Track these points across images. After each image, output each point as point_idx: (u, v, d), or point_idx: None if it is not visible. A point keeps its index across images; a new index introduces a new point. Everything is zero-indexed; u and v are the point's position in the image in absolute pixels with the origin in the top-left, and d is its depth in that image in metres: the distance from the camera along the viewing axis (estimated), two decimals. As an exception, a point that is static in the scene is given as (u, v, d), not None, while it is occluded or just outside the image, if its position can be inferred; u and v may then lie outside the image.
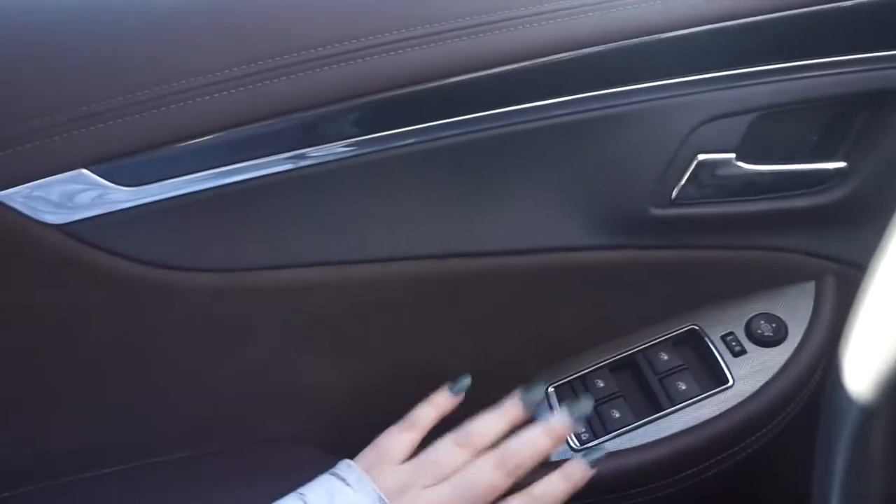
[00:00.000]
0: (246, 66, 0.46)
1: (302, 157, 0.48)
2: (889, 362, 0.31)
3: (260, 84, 0.46)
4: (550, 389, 0.59)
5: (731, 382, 0.56)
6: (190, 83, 0.45)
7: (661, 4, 0.49)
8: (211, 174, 0.47)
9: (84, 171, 0.45)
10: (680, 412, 0.55)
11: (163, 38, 0.47)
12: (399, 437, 0.45)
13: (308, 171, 0.48)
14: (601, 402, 0.57)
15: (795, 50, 0.52)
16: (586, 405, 0.46)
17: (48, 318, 0.49)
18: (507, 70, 0.48)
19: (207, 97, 0.45)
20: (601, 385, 0.58)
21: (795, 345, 0.56)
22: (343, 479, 0.43)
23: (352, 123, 0.48)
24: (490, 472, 0.43)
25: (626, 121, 0.51)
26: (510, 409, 0.46)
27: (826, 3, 0.50)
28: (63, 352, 0.50)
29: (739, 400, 0.55)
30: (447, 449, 0.44)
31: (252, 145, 0.47)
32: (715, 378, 0.56)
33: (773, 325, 0.57)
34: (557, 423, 0.45)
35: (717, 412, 0.55)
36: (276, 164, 0.48)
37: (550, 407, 0.58)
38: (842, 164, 0.55)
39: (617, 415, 0.56)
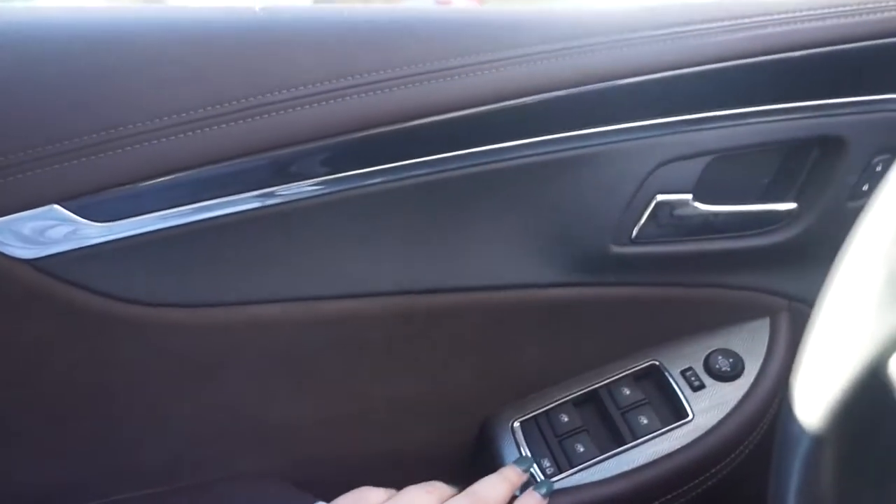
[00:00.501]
0: (219, 105, 0.47)
1: (272, 194, 0.49)
2: (836, 392, 0.32)
3: (232, 123, 0.47)
4: (516, 424, 0.60)
5: (691, 416, 0.57)
6: (163, 122, 0.46)
7: (619, 52, 0.51)
8: (182, 211, 0.48)
9: (56, 206, 0.45)
10: (642, 446, 0.57)
11: (137, 77, 0.48)
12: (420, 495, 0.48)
13: (278, 208, 0.49)
14: (565, 437, 0.58)
15: (746, 97, 0.54)
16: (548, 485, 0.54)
17: (18, 353, 0.48)
18: (474, 112, 0.50)
19: (180, 135, 0.46)
20: (565, 420, 0.59)
21: (752, 379, 0.58)
22: None
23: (322, 162, 0.49)
24: None
25: (587, 162, 0.53)
26: (509, 473, 0.52)
27: (773, 55, 0.53)
28: (32, 386, 0.50)
29: (700, 433, 0.57)
30: None
31: (223, 183, 0.48)
32: (675, 412, 0.58)
33: (731, 360, 0.59)
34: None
35: (679, 445, 0.56)
36: (246, 202, 0.48)
37: (516, 443, 0.59)
38: (793, 206, 0.57)
39: (581, 449, 0.57)
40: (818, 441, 0.33)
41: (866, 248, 0.33)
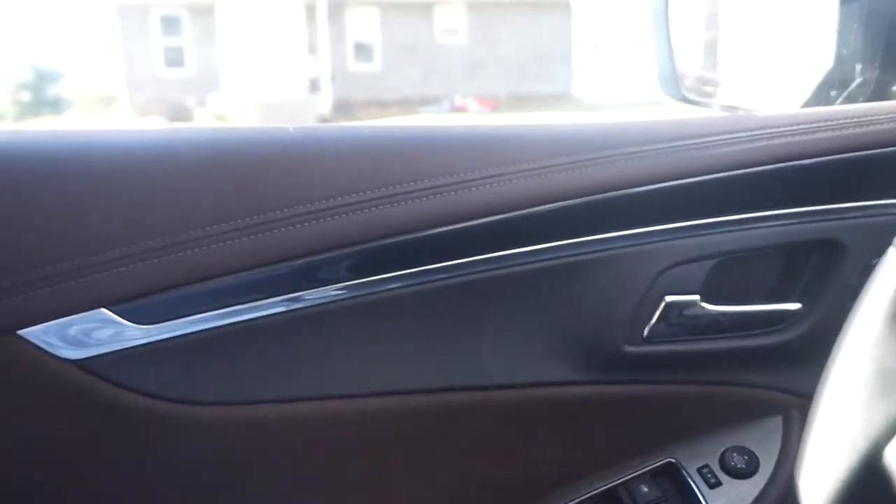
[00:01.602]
0: (256, 216, 0.51)
1: (301, 298, 0.52)
2: (836, 484, 0.34)
3: (268, 233, 0.51)
4: (536, 522, 0.61)
5: (709, 513, 0.58)
6: (204, 231, 0.50)
7: (628, 164, 0.56)
8: (217, 314, 0.51)
9: (103, 310, 0.49)
10: (660, 543, 0.57)
11: (181, 191, 0.52)
12: None
13: (307, 311, 0.52)
14: None
15: (750, 203, 0.58)
16: None
17: (61, 449, 0.51)
18: (491, 221, 0.53)
19: (220, 244, 0.50)
20: (585, 518, 0.60)
21: (767, 477, 0.59)
22: None
23: (347, 269, 0.52)
24: None
25: (600, 266, 0.56)
26: None
27: (774, 164, 0.57)
28: (72, 482, 0.52)
29: None
30: None
31: (255, 288, 0.51)
32: (693, 508, 0.59)
33: (746, 457, 0.60)
34: None
35: (695, 544, 0.57)
36: (276, 305, 0.52)
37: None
38: (797, 306, 0.60)
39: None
40: (823, 532, 0.34)
41: (855, 346, 0.35)
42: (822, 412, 0.36)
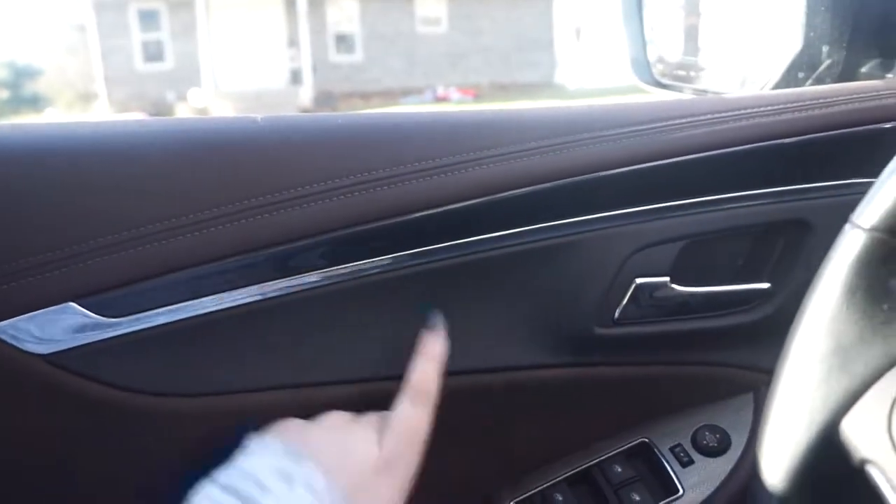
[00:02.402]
0: (223, 206, 0.51)
1: (274, 287, 0.52)
2: (795, 456, 0.35)
3: (235, 223, 0.50)
4: (512, 505, 0.62)
5: (681, 492, 0.59)
6: (171, 223, 0.50)
7: (598, 147, 0.56)
8: (190, 305, 0.51)
9: (71, 304, 0.49)
10: (636, 522, 0.58)
11: (146, 183, 0.51)
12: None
13: (280, 299, 0.52)
14: None
15: (717, 185, 0.58)
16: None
17: (33, 445, 0.51)
18: (462, 206, 0.54)
19: (187, 235, 0.50)
20: (560, 499, 0.61)
21: (739, 453, 0.60)
22: (245, 449, 0.46)
23: (320, 256, 0.52)
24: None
25: (570, 249, 0.57)
26: (428, 348, 0.53)
27: (739, 146, 0.57)
28: (46, 478, 0.52)
29: None
30: None
31: (226, 278, 0.51)
32: (666, 488, 0.59)
33: (717, 435, 0.61)
34: None
35: (670, 522, 0.57)
36: (249, 295, 0.52)
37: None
38: (766, 285, 0.60)
39: (572, 527, 0.58)
40: (783, 501, 0.35)
41: (814, 322, 0.36)
42: (782, 386, 0.36)
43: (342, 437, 0.48)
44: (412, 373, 0.52)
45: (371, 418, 0.50)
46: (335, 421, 0.50)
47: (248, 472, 0.43)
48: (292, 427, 0.49)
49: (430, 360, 0.52)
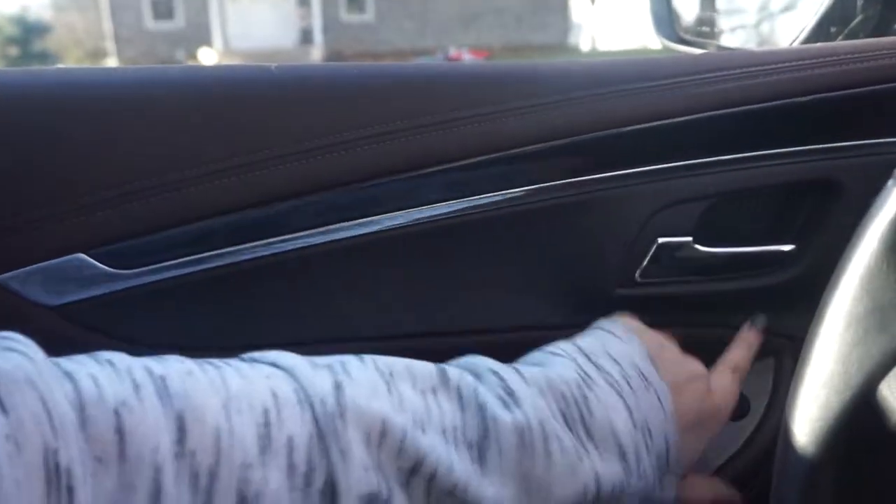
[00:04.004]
0: (230, 158, 0.49)
1: (286, 241, 0.51)
2: (829, 417, 0.33)
3: (246, 175, 0.49)
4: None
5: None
6: (183, 174, 0.49)
7: (620, 101, 0.54)
8: (200, 258, 0.50)
9: (81, 255, 0.48)
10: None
11: (154, 133, 0.50)
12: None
13: (292, 254, 0.51)
14: None
15: (743, 142, 0.56)
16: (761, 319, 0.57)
17: None
18: (478, 161, 0.52)
19: (196, 187, 0.49)
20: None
21: (758, 419, 0.59)
22: (611, 332, 0.49)
23: (327, 211, 0.51)
24: (744, 354, 0.55)
25: (590, 207, 0.55)
26: (750, 337, 0.56)
27: (767, 102, 0.55)
28: None
29: (710, 473, 0.57)
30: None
31: (238, 231, 0.50)
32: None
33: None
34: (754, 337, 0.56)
35: (688, 485, 0.57)
36: (261, 249, 0.51)
37: None
38: (791, 247, 0.59)
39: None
40: (815, 467, 0.34)
41: (851, 281, 0.34)
42: (815, 348, 0.35)
43: (688, 375, 0.50)
44: (732, 350, 0.55)
45: (699, 369, 0.51)
46: (678, 355, 0.51)
47: (615, 358, 0.46)
48: (653, 338, 0.50)
49: (748, 346, 0.55)
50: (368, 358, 0.41)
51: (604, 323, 0.50)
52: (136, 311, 0.50)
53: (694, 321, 0.60)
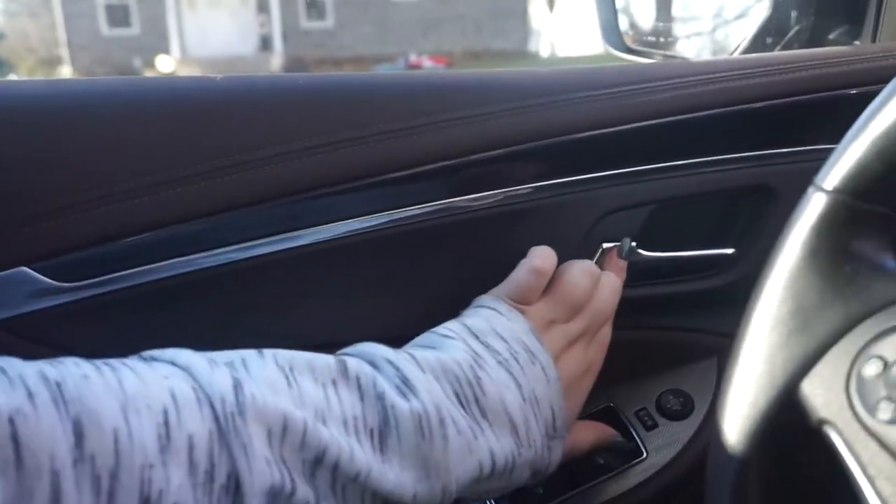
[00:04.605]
0: (182, 168, 0.49)
1: (235, 251, 0.51)
2: (755, 416, 0.35)
3: (194, 185, 0.49)
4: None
5: (645, 455, 0.59)
6: (127, 184, 0.48)
7: (564, 110, 0.55)
8: (147, 269, 0.50)
9: (24, 268, 0.47)
10: (600, 485, 0.58)
11: (102, 143, 0.50)
12: (531, 282, 0.52)
13: (242, 263, 0.51)
14: None
15: (685, 150, 0.58)
16: (626, 242, 0.58)
17: None
18: (421, 171, 0.53)
19: (144, 198, 0.48)
20: (526, 463, 0.61)
21: (702, 417, 0.61)
22: (495, 310, 0.50)
23: (282, 219, 0.51)
24: (611, 299, 0.54)
25: (537, 214, 0.56)
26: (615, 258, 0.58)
27: (708, 110, 0.57)
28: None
29: (654, 471, 0.59)
30: (576, 281, 0.53)
31: (185, 242, 0.50)
32: (630, 451, 0.60)
33: (681, 399, 0.62)
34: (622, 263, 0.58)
35: (634, 483, 0.58)
36: (207, 259, 0.51)
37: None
38: (731, 251, 0.61)
39: (540, 491, 0.59)
40: (744, 463, 0.35)
41: (775, 284, 0.36)
42: (743, 349, 0.36)
43: (567, 341, 0.52)
44: (598, 298, 0.54)
45: (575, 330, 0.53)
46: (560, 329, 0.52)
47: (502, 335, 0.48)
48: (538, 312, 0.52)
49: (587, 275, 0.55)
50: (269, 352, 0.42)
51: (486, 300, 0.51)
52: (83, 324, 0.50)
53: (637, 323, 0.62)
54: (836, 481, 0.32)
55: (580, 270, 0.53)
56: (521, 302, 0.51)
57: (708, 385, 0.62)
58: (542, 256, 0.53)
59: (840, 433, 0.32)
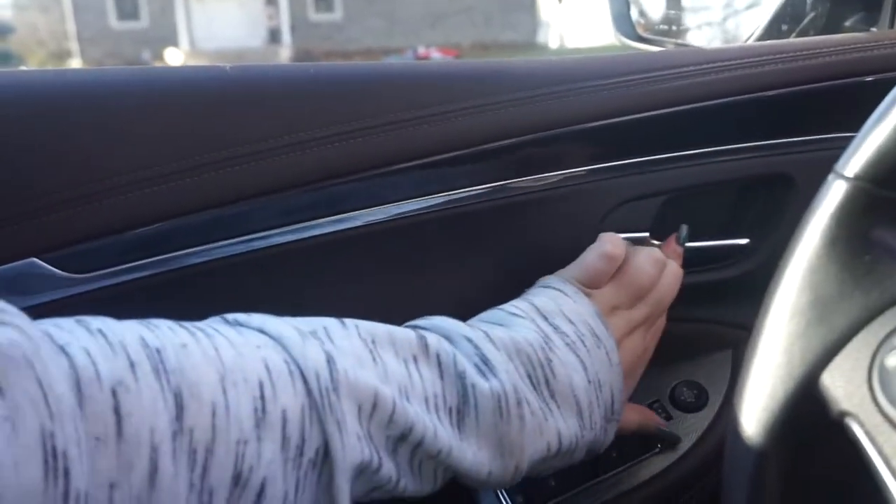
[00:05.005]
0: (190, 158, 0.49)
1: (244, 242, 0.51)
2: (773, 409, 0.34)
3: (203, 175, 0.49)
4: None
5: (658, 448, 0.59)
6: (136, 175, 0.48)
7: (576, 99, 0.55)
8: (159, 260, 0.50)
9: (35, 259, 0.47)
10: (614, 478, 0.58)
11: (111, 134, 0.49)
12: (602, 267, 0.52)
13: (251, 255, 0.51)
14: None
15: (699, 138, 0.57)
16: (684, 229, 0.57)
17: None
18: (436, 159, 0.52)
19: (154, 188, 0.48)
20: (538, 456, 0.61)
21: (716, 410, 0.60)
22: (562, 291, 0.50)
23: (297, 209, 0.51)
24: (673, 287, 0.54)
25: (551, 203, 0.56)
26: (673, 244, 0.57)
27: (722, 98, 0.56)
28: None
29: (668, 463, 0.58)
30: (643, 268, 0.52)
31: (196, 232, 0.50)
32: (644, 444, 0.59)
33: (695, 391, 0.61)
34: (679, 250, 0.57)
35: (648, 476, 0.57)
36: (219, 250, 0.50)
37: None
38: (746, 241, 0.60)
39: (553, 483, 0.58)
40: (762, 454, 0.35)
41: (793, 274, 0.35)
42: (761, 340, 0.36)
43: (629, 328, 0.52)
44: (662, 285, 0.54)
45: (637, 317, 0.53)
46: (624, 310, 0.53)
47: (569, 318, 0.48)
48: (604, 297, 0.51)
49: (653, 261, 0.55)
50: (350, 323, 0.43)
51: (553, 281, 0.52)
52: (95, 314, 0.49)
53: None
54: (857, 473, 0.31)
55: (648, 257, 0.53)
56: (589, 286, 0.51)
57: (722, 377, 0.62)
58: (613, 242, 0.53)
59: (862, 425, 0.31)
